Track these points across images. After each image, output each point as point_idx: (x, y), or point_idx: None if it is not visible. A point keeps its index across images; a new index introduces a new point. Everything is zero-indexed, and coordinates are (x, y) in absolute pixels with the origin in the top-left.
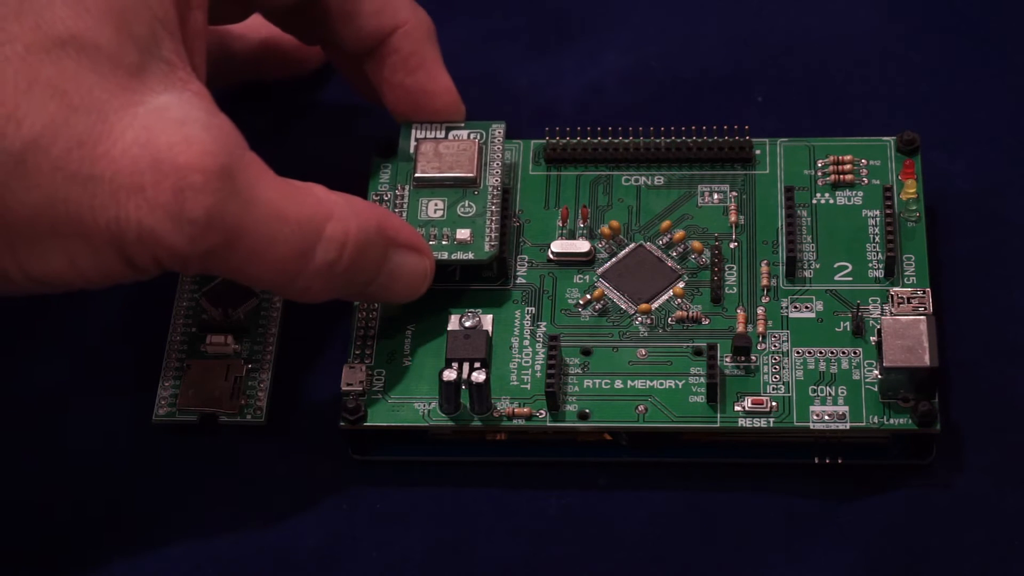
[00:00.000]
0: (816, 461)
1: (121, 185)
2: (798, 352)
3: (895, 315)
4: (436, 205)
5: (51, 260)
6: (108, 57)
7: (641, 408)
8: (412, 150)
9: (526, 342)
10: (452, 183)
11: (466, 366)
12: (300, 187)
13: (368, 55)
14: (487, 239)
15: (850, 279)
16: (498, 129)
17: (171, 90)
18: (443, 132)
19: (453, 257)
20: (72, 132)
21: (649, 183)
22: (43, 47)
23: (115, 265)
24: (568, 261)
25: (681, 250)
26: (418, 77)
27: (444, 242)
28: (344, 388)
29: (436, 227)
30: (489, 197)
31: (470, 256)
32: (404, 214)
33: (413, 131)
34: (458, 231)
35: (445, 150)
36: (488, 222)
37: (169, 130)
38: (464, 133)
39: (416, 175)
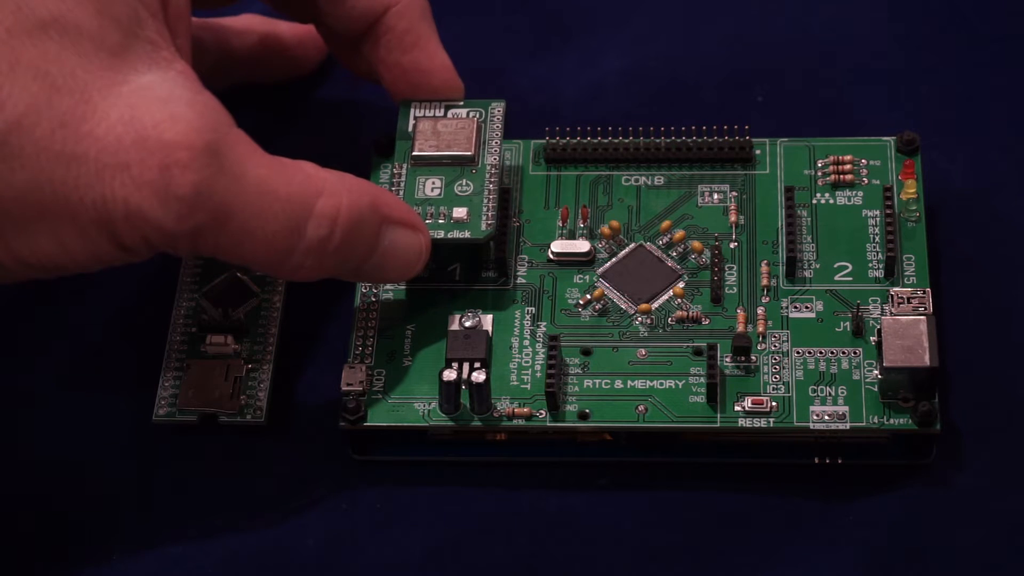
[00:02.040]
0: (816, 461)
1: (106, 164)
2: (798, 352)
3: (895, 315)
4: (434, 184)
5: (40, 243)
6: (90, 38)
7: (641, 408)
8: (410, 128)
9: (526, 342)
10: (450, 161)
11: (466, 366)
12: (289, 164)
13: (363, 36)
14: (484, 218)
15: (850, 279)
16: (498, 108)
17: (155, 69)
18: (442, 111)
19: (450, 236)
20: (55, 112)
21: (649, 183)
22: (25, 30)
23: (104, 246)
24: (568, 261)
25: (681, 250)
26: (414, 55)
27: (441, 221)
28: (344, 388)
29: (433, 206)
30: (487, 176)
31: (467, 235)
32: (401, 193)
33: (412, 110)
34: (455, 210)
35: (443, 128)
36: (485, 201)
37: (154, 108)
38: (463, 112)
39: (414, 153)
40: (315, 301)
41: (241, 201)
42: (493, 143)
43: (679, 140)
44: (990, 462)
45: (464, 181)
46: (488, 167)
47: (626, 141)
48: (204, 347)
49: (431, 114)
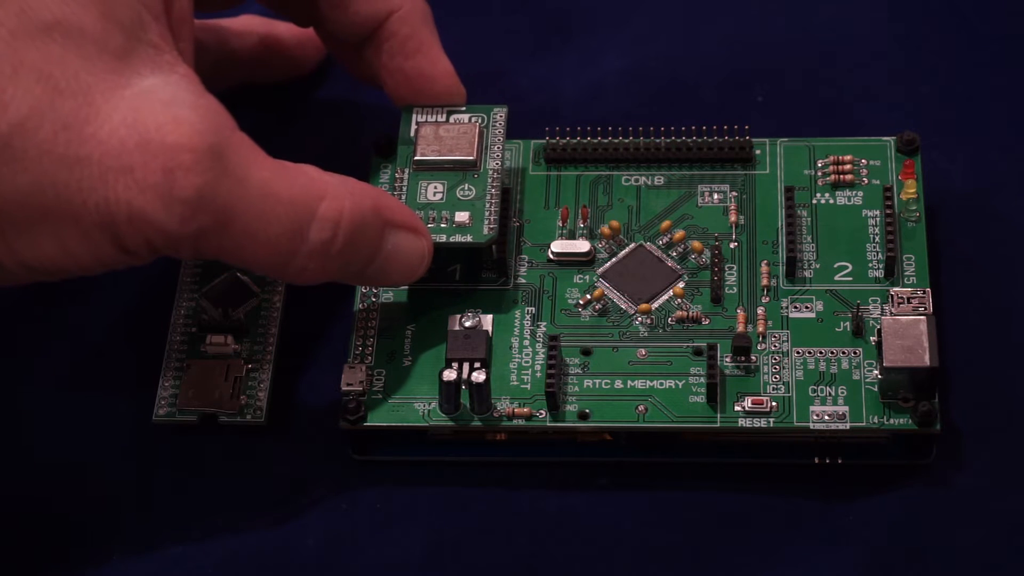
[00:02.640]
0: (816, 461)
1: (109, 167)
2: (798, 352)
3: (895, 315)
4: (436, 188)
5: (43, 245)
6: (93, 41)
7: (641, 408)
8: (412, 133)
9: (526, 342)
10: (452, 166)
11: (466, 366)
12: (292, 167)
13: (365, 41)
14: (486, 222)
15: (850, 279)
16: (500, 113)
17: (158, 73)
18: (444, 116)
19: (452, 240)
20: (58, 115)
21: (649, 183)
22: (28, 32)
23: (107, 249)
24: (568, 261)
25: (681, 250)
26: (416, 61)
27: (443, 225)
28: (344, 388)
29: (435, 210)
30: (489, 180)
31: (468, 239)
32: (404, 197)
33: (414, 115)
34: (457, 214)
35: (445, 133)
36: (487, 205)
37: (157, 111)
38: (465, 117)
39: (416, 158)
40: (315, 301)
41: (244, 204)
42: (495, 148)
43: (679, 140)
44: (990, 462)
45: (466, 186)
46: (490, 172)
47: (626, 141)
48: (204, 347)
49: (433, 119)
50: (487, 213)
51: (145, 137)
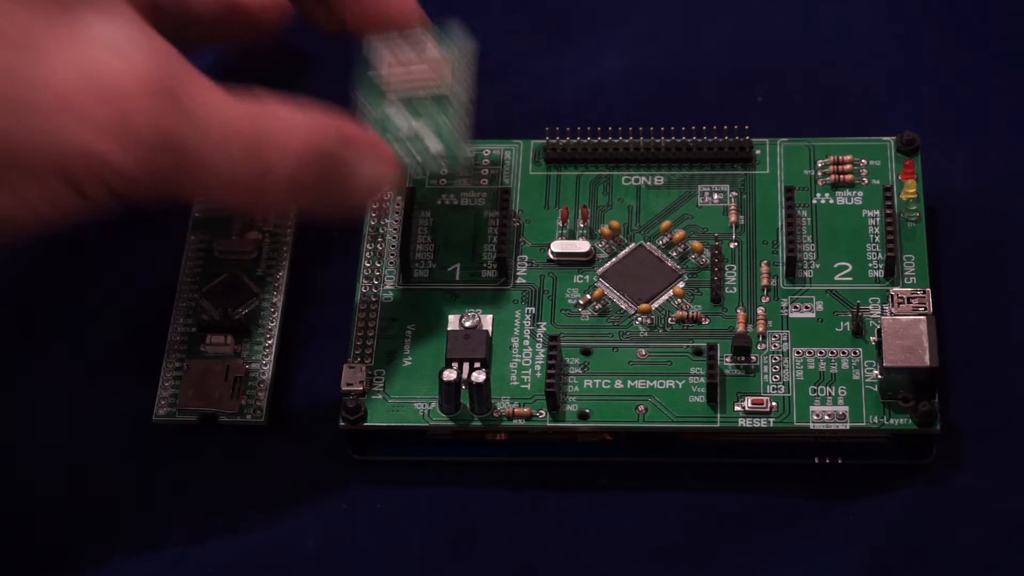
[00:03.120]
0: (816, 461)
1: (63, 113)
2: (798, 352)
3: (895, 315)
4: (406, 120)
5: (1, 200)
6: None
7: (641, 408)
8: (379, 67)
9: (526, 342)
10: (421, 95)
11: (466, 366)
12: (251, 100)
13: None
14: (458, 148)
15: (850, 279)
16: (458, 32)
17: (105, 18)
18: (411, 48)
19: (425, 165)
20: (8, 67)
21: (649, 183)
22: None
23: (66, 196)
24: (568, 261)
25: (681, 250)
26: None
27: (417, 157)
28: (344, 388)
29: (410, 142)
30: (456, 106)
31: (442, 164)
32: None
33: (379, 48)
34: (428, 141)
35: (412, 64)
36: (456, 132)
37: (107, 55)
38: (434, 49)
39: (385, 91)
40: (315, 301)
41: (202, 141)
42: (460, 73)
43: (679, 140)
44: (990, 462)
45: (439, 117)
46: (458, 99)
47: (626, 141)
48: (204, 347)
49: (400, 54)
50: (457, 138)
51: (97, 82)
